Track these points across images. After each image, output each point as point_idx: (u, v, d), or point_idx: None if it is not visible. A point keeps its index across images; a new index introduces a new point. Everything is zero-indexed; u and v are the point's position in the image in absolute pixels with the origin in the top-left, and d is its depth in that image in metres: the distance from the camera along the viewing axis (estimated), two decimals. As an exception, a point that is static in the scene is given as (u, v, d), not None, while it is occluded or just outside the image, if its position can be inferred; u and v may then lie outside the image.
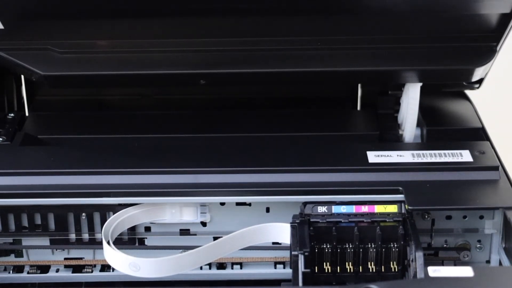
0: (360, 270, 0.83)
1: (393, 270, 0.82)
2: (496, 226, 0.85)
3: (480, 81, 1.02)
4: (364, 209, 0.82)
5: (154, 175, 0.86)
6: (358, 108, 1.05)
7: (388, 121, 1.01)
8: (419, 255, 0.77)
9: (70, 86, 0.99)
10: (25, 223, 0.88)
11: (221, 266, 0.91)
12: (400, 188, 0.84)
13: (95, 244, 0.89)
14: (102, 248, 0.84)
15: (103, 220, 0.87)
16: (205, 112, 1.05)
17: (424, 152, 0.90)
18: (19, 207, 0.87)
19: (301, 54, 0.92)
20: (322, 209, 0.83)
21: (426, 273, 0.70)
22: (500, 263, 0.85)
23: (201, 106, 1.07)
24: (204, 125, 1.02)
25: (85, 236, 0.89)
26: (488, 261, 0.87)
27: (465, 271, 0.68)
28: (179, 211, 0.88)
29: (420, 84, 0.95)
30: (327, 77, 0.95)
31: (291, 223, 0.82)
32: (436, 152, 0.90)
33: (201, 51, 0.92)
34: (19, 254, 0.91)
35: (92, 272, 0.91)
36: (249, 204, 0.88)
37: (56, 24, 0.91)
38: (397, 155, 0.90)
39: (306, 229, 0.81)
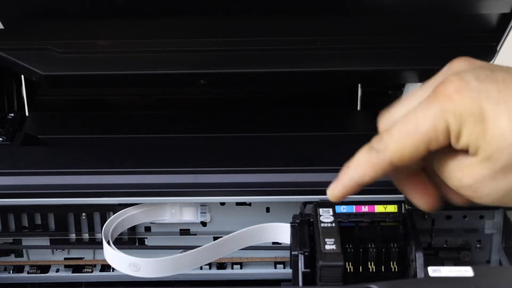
0: (360, 270, 0.83)
1: (393, 270, 0.82)
2: (496, 226, 0.85)
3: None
4: (364, 209, 0.82)
5: (154, 175, 0.86)
6: (358, 108, 1.05)
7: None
8: (419, 255, 0.77)
9: (70, 86, 0.99)
10: (25, 223, 0.88)
11: (221, 266, 0.91)
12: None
13: (95, 244, 0.89)
14: (102, 248, 0.84)
15: (103, 220, 0.87)
16: (205, 112, 1.05)
17: (424, 152, 0.90)
18: (19, 207, 0.87)
19: (301, 54, 0.92)
20: (322, 209, 0.83)
21: (426, 273, 0.70)
22: (500, 263, 0.85)
23: (201, 106, 1.07)
24: (204, 125, 1.02)
25: (85, 236, 0.89)
26: (488, 261, 0.87)
27: (465, 271, 0.68)
28: (179, 211, 0.88)
29: (420, 84, 0.95)
30: (327, 77, 0.95)
31: (291, 223, 0.82)
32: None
33: (201, 51, 0.92)
34: (19, 254, 0.91)
35: (92, 272, 0.91)
36: (249, 204, 0.88)
37: (56, 24, 0.91)
38: (397, 155, 0.89)
39: (306, 229, 0.81)
